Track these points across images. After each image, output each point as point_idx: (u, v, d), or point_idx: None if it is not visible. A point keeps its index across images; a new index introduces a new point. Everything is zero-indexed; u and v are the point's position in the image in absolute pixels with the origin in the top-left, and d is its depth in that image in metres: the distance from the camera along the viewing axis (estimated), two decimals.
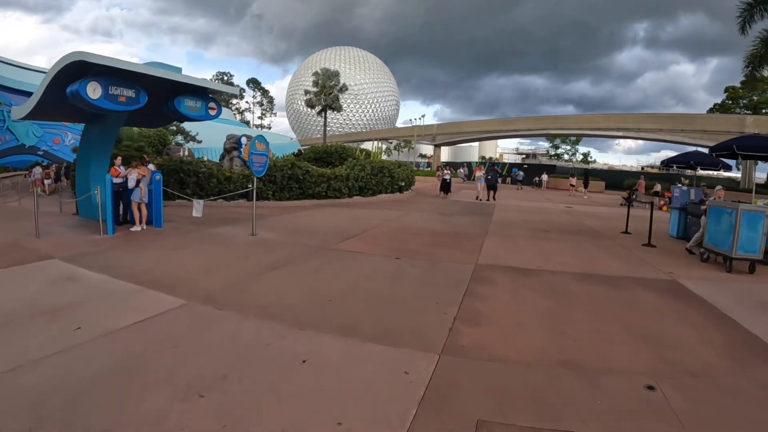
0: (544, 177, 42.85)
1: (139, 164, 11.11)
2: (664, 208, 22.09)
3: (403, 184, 23.38)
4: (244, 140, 22.80)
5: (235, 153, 22.31)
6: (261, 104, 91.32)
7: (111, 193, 10.19)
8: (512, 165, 56.99)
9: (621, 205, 25.25)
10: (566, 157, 62.70)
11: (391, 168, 21.94)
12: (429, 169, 66.91)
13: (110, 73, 10.07)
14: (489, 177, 23.19)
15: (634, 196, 25.25)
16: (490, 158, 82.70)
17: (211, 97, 12.93)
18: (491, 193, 22.91)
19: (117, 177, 10.82)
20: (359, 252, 8.76)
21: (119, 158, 11.37)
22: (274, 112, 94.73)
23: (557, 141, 61.69)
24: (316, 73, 56.87)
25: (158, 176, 11.33)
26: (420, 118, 65.40)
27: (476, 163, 60.67)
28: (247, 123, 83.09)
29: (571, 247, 10.66)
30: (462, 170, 52.16)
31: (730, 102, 47.11)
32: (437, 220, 14.51)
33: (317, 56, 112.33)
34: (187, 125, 31.79)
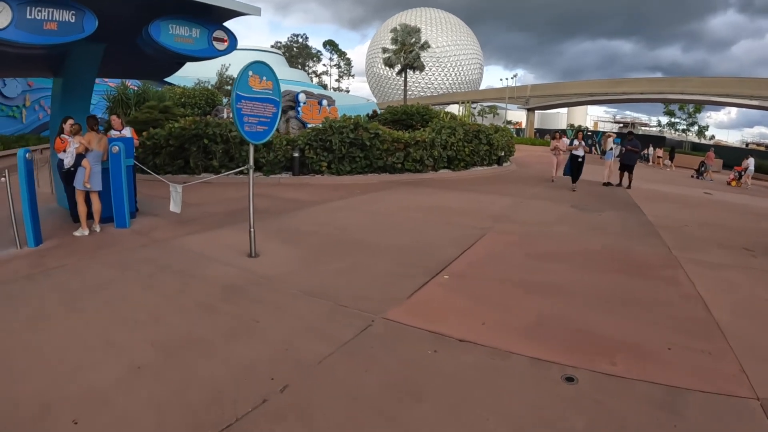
0: (651, 150, 35.20)
1: (84, 130, 6.69)
2: (733, 183, 21.72)
3: (502, 154, 17.75)
4: (302, 97, 18.28)
5: (291, 113, 17.87)
6: (338, 66, 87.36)
7: (26, 180, 5.84)
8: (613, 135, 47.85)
9: (692, 177, 23.83)
10: (682, 127, 53.23)
11: (488, 133, 16.32)
12: (518, 136, 59.57)
13: None
14: (624, 152, 15.50)
15: (703, 168, 24.23)
16: (579, 126, 73.47)
17: (218, 25, 8.17)
18: (625, 175, 15.41)
19: (63, 151, 6.56)
20: (463, 341, 3.59)
21: (69, 122, 6.86)
22: (352, 74, 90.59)
23: (674, 106, 52.25)
24: (394, 30, 51.33)
25: (117, 147, 6.83)
26: (512, 78, 57.94)
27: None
28: (325, 86, 79.41)
29: None
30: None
31: None
32: (575, 219, 8.92)
33: (397, 18, 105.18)
34: None
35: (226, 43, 8.38)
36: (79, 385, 2.76)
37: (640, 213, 10.28)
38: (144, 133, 12.42)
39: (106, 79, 20.85)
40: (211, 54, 8.21)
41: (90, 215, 6.54)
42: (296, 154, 12.04)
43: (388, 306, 4.12)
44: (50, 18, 5.77)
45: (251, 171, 5.46)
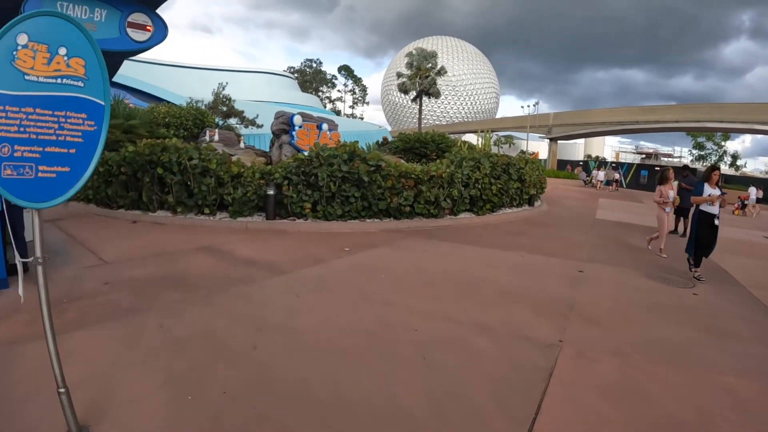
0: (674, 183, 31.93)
1: None
2: (736, 212, 21.56)
3: (534, 192, 14.69)
4: (297, 120, 15.39)
5: (285, 138, 15.05)
6: (353, 93, 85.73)
7: None
8: (639, 167, 42.66)
9: None
10: (715, 158, 50.14)
11: (519, 166, 13.22)
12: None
13: None
14: (681, 193, 11.09)
15: None
16: (597, 157, 69.94)
17: (137, 6, 5.42)
18: (681, 221, 11.87)
19: None
20: None
21: None
22: (366, 101, 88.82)
23: (702, 138, 49.18)
24: (410, 54, 49.17)
25: None
26: (534, 105, 54.92)
27: (593, 162, 49.11)
28: (338, 113, 77.46)
29: None
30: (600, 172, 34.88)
31: None
32: (670, 306, 5.70)
33: (413, 45, 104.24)
34: (241, 104, 24.87)
35: (148, 32, 5.66)
36: None
37: (732, 281, 7.20)
38: None
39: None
40: (126, 47, 5.51)
41: None
42: (271, 192, 9.12)
43: None
44: None
45: (40, 270, 2.35)
